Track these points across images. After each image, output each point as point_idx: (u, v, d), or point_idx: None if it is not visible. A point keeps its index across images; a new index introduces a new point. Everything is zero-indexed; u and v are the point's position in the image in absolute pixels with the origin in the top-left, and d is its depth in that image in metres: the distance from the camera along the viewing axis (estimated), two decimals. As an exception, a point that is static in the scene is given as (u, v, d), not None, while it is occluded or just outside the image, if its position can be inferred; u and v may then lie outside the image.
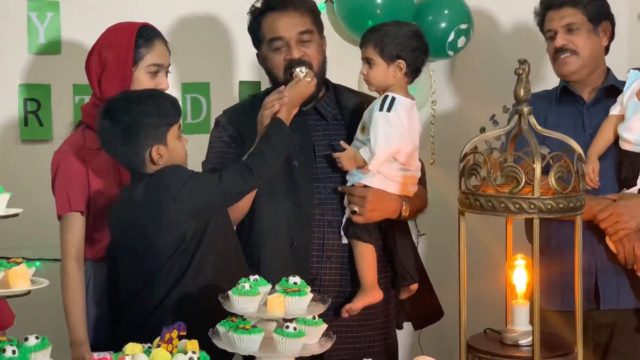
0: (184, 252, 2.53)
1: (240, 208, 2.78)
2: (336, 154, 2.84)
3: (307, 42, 2.89)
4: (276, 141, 2.66)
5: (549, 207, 2.24)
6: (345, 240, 2.88)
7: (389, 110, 2.80)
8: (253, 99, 3.00)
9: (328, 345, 2.27)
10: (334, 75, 3.53)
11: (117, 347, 2.10)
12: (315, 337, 2.26)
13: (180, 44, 3.56)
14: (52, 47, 3.40)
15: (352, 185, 2.85)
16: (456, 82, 4.02)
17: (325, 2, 3.89)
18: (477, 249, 3.69)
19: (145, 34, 2.78)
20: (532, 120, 2.35)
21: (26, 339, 1.92)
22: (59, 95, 3.39)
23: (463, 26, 3.80)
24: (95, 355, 1.94)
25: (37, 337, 1.93)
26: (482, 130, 3.98)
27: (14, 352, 1.86)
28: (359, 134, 2.86)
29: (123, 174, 2.73)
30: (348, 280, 2.89)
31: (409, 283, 2.94)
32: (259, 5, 2.93)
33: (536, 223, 2.25)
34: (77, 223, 2.69)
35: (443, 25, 3.80)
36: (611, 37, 3.07)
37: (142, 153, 2.56)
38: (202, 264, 2.55)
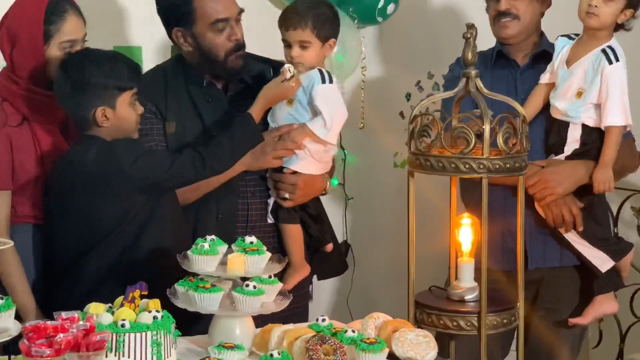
0: (130, 224, 2.54)
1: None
2: (284, 129, 2.83)
3: (239, 22, 2.89)
4: (239, 137, 2.68)
5: (497, 167, 2.33)
6: (270, 221, 2.92)
7: (330, 82, 2.84)
8: (163, 72, 2.94)
9: (285, 303, 2.32)
10: (261, 43, 3.53)
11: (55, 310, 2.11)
12: (272, 296, 2.31)
13: (114, 5, 3.54)
14: None
15: (281, 171, 2.87)
16: (385, 48, 4.09)
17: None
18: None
19: (56, 9, 2.69)
20: (479, 83, 2.42)
21: (-10, 300, 1.91)
22: None
23: (392, -7, 3.85)
24: (64, 314, 1.93)
25: (1, 298, 1.92)
26: (408, 95, 4.13)
27: (-21, 313, 1.85)
28: (286, 107, 2.86)
29: (44, 149, 2.70)
30: (273, 251, 2.93)
31: (325, 244, 3.02)
32: None
33: (484, 183, 2.33)
34: (1, 200, 2.65)
35: (373, -9, 3.85)
36: (549, 3, 3.13)
37: (88, 111, 2.55)
38: (154, 234, 2.56)
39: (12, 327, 1.93)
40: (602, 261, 2.96)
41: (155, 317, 2.04)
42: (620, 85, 2.85)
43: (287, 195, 2.86)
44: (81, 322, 1.91)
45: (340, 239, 4.10)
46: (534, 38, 3.12)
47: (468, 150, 2.32)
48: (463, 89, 2.44)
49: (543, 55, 3.07)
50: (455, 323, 2.39)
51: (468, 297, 2.46)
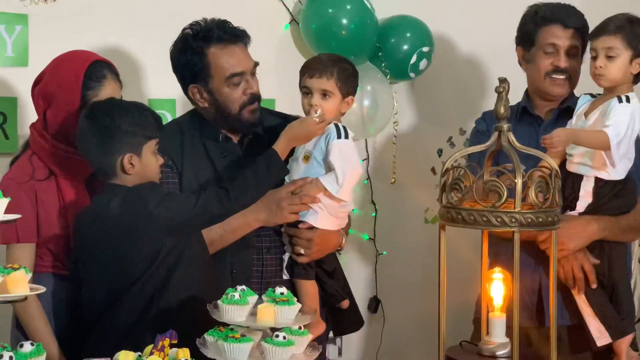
0: (160, 267, 2.54)
1: None
2: (298, 183, 2.81)
3: (254, 75, 2.90)
4: (263, 172, 2.68)
5: (529, 220, 2.31)
6: (286, 277, 2.89)
7: (346, 137, 2.83)
8: (179, 126, 2.94)
9: (314, 355, 2.30)
10: (295, 97, 3.57)
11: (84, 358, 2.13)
12: (301, 347, 2.29)
13: (148, 59, 3.59)
14: (20, 60, 3.37)
15: (296, 226, 2.84)
16: (416, 103, 4.11)
17: (289, 23, 3.95)
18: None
19: (94, 74, 2.72)
20: (511, 137, 2.42)
21: (21, 346, 1.91)
22: (26, 108, 3.35)
23: (425, 49, 3.89)
24: (93, 362, 1.93)
25: (31, 344, 1.92)
26: (440, 151, 4.14)
27: (10, 357, 1.85)
28: (302, 164, 2.85)
29: (68, 203, 2.72)
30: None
31: (341, 300, 2.98)
32: (191, 35, 2.83)
33: (516, 237, 2.31)
34: (24, 252, 2.67)
35: (405, 47, 3.89)
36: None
37: (115, 159, 2.57)
38: (183, 279, 2.56)
39: (42, 374, 1.93)
40: (600, 334, 2.87)
41: (184, 366, 2.03)
42: (626, 120, 2.75)
43: (302, 251, 2.83)
44: (110, 370, 1.90)
45: (370, 294, 4.09)
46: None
47: (500, 204, 2.31)
48: (495, 142, 2.44)
49: (568, 111, 3.04)
50: (485, 379, 2.36)
51: (499, 352, 2.43)
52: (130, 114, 2.59)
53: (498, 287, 2.48)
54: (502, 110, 2.41)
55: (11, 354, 1.86)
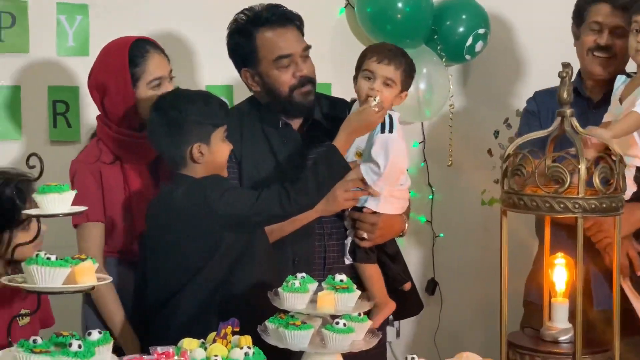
0: (222, 259, 2.57)
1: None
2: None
3: (307, 58, 2.89)
4: (323, 171, 2.65)
5: (593, 206, 2.29)
6: (348, 261, 2.89)
7: (390, 131, 2.78)
8: (239, 113, 2.93)
9: (374, 341, 2.31)
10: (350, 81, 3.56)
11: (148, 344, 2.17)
12: (361, 334, 2.30)
13: (205, 46, 3.61)
14: (81, 50, 3.42)
15: (361, 210, 2.83)
16: (472, 85, 4.08)
17: (345, 7, 3.94)
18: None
19: (138, 51, 2.76)
20: (574, 122, 2.39)
21: (89, 334, 1.95)
22: (87, 97, 3.39)
23: (481, 31, 3.85)
24: (159, 349, 1.97)
25: (99, 332, 1.96)
26: (496, 133, 4.10)
27: (79, 346, 1.89)
28: (356, 159, 2.83)
29: (133, 189, 2.76)
30: None
31: (404, 283, 2.98)
32: (242, 19, 2.87)
33: (580, 222, 2.29)
34: (94, 231, 2.72)
35: (461, 29, 3.85)
36: None
37: (184, 149, 2.60)
38: (246, 270, 2.59)
39: (110, 361, 1.97)
40: None
41: (246, 354, 2.06)
42: None
43: (365, 235, 2.83)
44: (176, 357, 1.93)
45: (428, 277, 4.09)
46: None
47: (563, 190, 2.29)
48: (558, 127, 2.41)
49: None
50: (548, 364, 2.35)
51: (562, 338, 2.41)
52: (197, 103, 2.61)
53: (560, 273, 2.47)
54: (565, 95, 2.38)
55: (80, 342, 1.90)
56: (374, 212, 2.82)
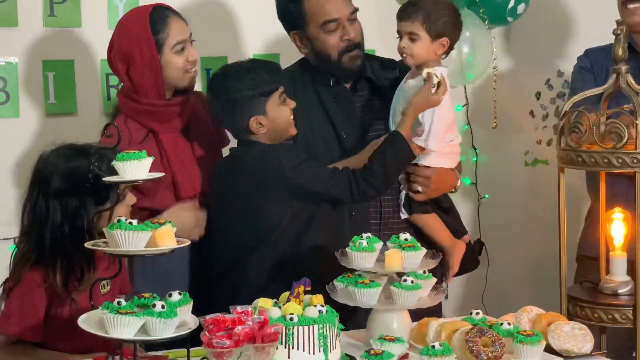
0: (291, 226, 2.64)
1: None
2: None
3: (354, 21, 2.94)
4: (390, 160, 2.70)
5: (651, 161, 2.34)
6: (405, 216, 2.94)
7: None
8: (291, 74, 2.97)
9: (439, 298, 2.38)
10: (387, 41, 3.57)
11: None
12: (427, 290, 2.37)
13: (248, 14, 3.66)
14: None
15: (415, 164, 2.88)
16: (515, 47, 4.10)
17: (384, -32, 3.95)
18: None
19: (158, 17, 2.78)
20: (630, 79, 2.43)
21: (170, 295, 2.02)
22: (81, 70, 3.43)
23: (522, -7, 3.86)
24: (239, 308, 2.04)
25: (179, 293, 2.03)
26: (538, 94, 4.13)
27: (163, 306, 1.96)
28: (398, 116, 2.87)
29: (171, 157, 2.77)
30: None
31: (462, 235, 3.04)
32: None
33: (639, 177, 2.34)
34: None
35: (503, -8, 3.86)
36: None
37: (243, 123, 2.67)
38: (313, 236, 2.66)
39: (190, 321, 2.04)
40: None
41: (320, 312, 2.12)
42: None
43: (420, 189, 2.88)
44: (255, 316, 2.00)
45: (474, 238, 4.14)
46: None
47: (621, 145, 2.34)
48: (613, 85, 2.45)
49: None
50: (610, 316, 2.41)
51: (621, 290, 2.47)
52: (244, 78, 2.68)
53: (618, 227, 2.52)
54: (619, 52, 2.43)
55: (163, 302, 1.97)
56: (427, 167, 2.88)
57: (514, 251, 4.10)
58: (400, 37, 2.86)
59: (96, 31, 3.45)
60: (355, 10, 2.94)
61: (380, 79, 2.99)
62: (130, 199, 2.39)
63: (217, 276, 2.71)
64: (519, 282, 4.08)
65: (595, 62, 3.17)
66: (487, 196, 4.12)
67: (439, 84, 2.73)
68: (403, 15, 2.85)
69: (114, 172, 2.07)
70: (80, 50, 3.44)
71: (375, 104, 2.97)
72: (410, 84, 2.86)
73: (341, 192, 2.66)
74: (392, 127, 2.88)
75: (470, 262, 3.09)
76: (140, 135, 2.78)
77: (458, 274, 3.05)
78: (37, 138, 3.34)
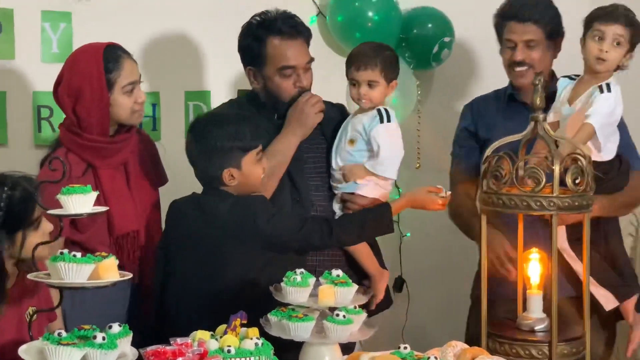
0: (249, 273, 2.71)
1: None
2: (345, 168, 3.04)
3: (308, 70, 3.10)
4: (371, 221, 2.84)
5: (567, 204, 2.49)
6: None
7: (389, 120, 3.03)
8: (237, 106, 3.10)
9: (370, 332, 2.48)
10: (322, 86, 3.74)
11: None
12: (358, 325, 2.46)
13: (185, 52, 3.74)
14: (64, 56, 3.44)
15: (352, 193, 3.03)
16: (439, 91, 4.26)
17: (317, 15, 4.09)
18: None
19: (111, 57, 2.83)
20: (547, 126, 2.59)
21: (110, 327, 2.07)
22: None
23: (446, 39, 4.04)
24: (179, 340, 2.10)
25: (119, 325, 2.08)
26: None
27: (103, 338, 2.01)
28: (348, 147, 3.06)
29: (107, 195, 2.80)
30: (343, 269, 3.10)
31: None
32: (257, 22, 3.06)
33: (555, 220, 2.49)
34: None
35: (428, 37, 4.03)
36: (560, 48, 3.22)
37: (217, 172, 2.74)
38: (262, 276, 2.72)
39: (129, 353, 2.09)
40: (606, 299, 3.03)
41: (256, 344, 2.20)
42: (607, 110, 2.86)
43: None
44: (195, 347, 2.07)
45: (395, 274, 4.26)
46: (546, 79, 3.14)
47: (539, 189, 2.48)
48: (531, 131, 2.60)
49: (554, 97, 3.08)
50: (527, 352, 2.54)
51: (538, 327, 2.60)
52: (227, 128, 2.75)
53: (535, 267, 2.66)
54: (538, 101, 2.57)
55: (103, 334, 2.02)
56: (363, 196, 3.01)
57: (434, 289, 4.24)
58: (354, 85, 3.04)
59: (29, 64, 3.50)
60: (311, 60, 3.09)
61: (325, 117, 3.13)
62: (46, 226, 2.40)
63: (164, 308, 2.76)
64: (438, 319, 4.21)
65: (479, 116, 3.29)
66: (408, 234, 4.25)
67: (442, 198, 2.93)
68: (361, 64, 3.02)
69: (27, 200, 2.13)
70: (13, 82, 3.47)
71: (317, 140, 3.12)
72: (359, 117, 3.05)
73: (312, 239, 2.75)
74: (335, 159, 3.07)
75: (383, 301, 3.19)
76: (80, 170, 2.81)
77: (371, 313, 3.16)
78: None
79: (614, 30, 2.88)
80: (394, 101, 4.05)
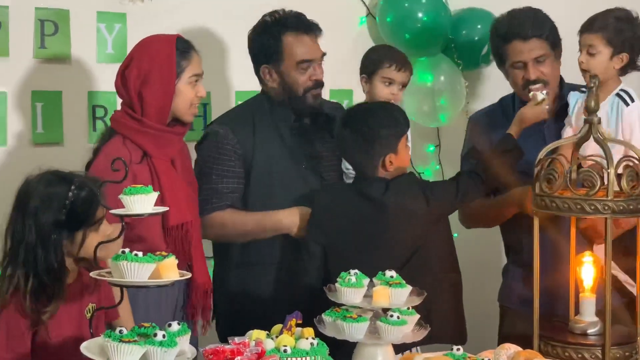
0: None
1: None
2: None
3: (321, 63, 3.17)
4: (503, 153, 2.96)
5: (621, 208, 2.49)
6: None
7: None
8: (250, 109, 3.15)
9: (423, 333, 2.49)
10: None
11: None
12: (411, 326, 2.48)
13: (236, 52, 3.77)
14: (119, 57, 3.52)
15: None
16: (486, 92, 4.26)
17: (366, 16, 4.11)
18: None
19: (182, 47, 2.90)
20: (602, 129, 2.59)
21: (169, 325, 2.11)
22: (66, 99, 3.53)
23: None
24: (236, 339, 2.13)
25: (178, 323, 2.12)
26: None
27: (164, 336, 2.05)
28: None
29: (163, 185, 2.81)
30: None
31: None
32: (270, 20, 3.12)
33: (609, 222, 2.49)
34: None
35: (476, 38, 4.03)
36: (561, 53, 3.19)
37: (377, 160, 2.87)
38: None
39: (188, 351, 2.13)
40: None
41: (312, 344, 2.22)
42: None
43: None
44: (253, 347, 2.10)
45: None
46: (556, 91, 3.17)
47: (593, 193, 2.48)
48: (585, 134, 2.60)
49: (566, 107, 3.08)
50: (580, 355, 2.54)
51: (590, 330, 2.61)
52: (384, 118, 2.89)
53: (588, 270, 2.66)
54: (592, 104, 2.57)
55: (164, 332, 2.06)
56: None
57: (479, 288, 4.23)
58: (393, 84, 3.21)
59: (85, 64, 3.55)
60: (324, 54, 3.17)
61: (332, 116, 3.22)
62: (106, 228, 2.44)
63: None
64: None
65: (487, 133, 3.20)
66: (456, 235, 4.25)
67: (543, 101, 3.00)
68: (401, 67, 3.24)
69: (92, 201, 2.19)
70: (68, 82, 3.53)
71: (327, 137, 3.18)
72: None
73: (471, 193, 2.95)
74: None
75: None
76: (138, 157, 2.83)
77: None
78: (24, 166, 3.41)
79: (585, 41, 2.94)
80: (442, 102, 4.09)
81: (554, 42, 3.13)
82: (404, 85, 3.24)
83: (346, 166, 3.17)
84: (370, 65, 3.25)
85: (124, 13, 3.58)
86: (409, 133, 3.04)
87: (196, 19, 3.69)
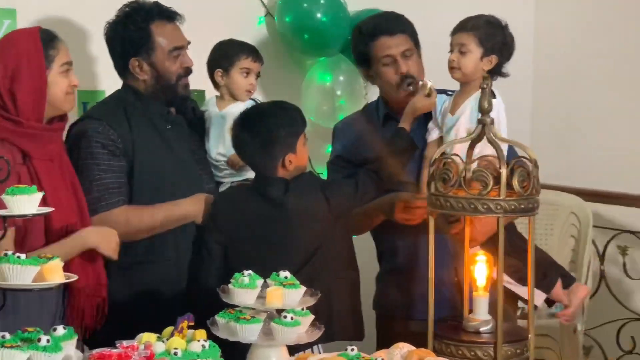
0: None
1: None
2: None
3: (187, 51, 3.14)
4: (398, 147, 3.00)
5: (513, 207, 2.52)
6: None
7: None
8: (122, 103, 3.07)
9: (317, 334, 2.47)
10: (272, 87, 3.76)
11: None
12: (305, 327, 2.46)
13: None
14: None
15: None
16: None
17: (264, 16, 4.09)
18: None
19: (47, 36, 2.80)
20: (494, 129, 2.62)
21: (55, 329, 2.04)
22: None
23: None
24: (125, 342, 2.08)
25: (64, 327, 2.05)
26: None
27: (48, 340, 1.98)
28: None
29: (45, 186, 2.69)
30: None
31: None
32: (135, 11, 3.06)
33: (501, 222, 2.52)
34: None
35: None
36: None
37: (277, 160, 2.84)
38: None
39: (74, 356, 2.06)
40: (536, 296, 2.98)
41: (203, 346, 2.18)
42: (503, 118, 2.94)
43: None
44: (142, 350, 2.05)
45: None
46: None
47: (486, 192, 2.51)
48: (479, 134, 2.63)
49: (427, 113, 3.12)
50: (473, 353, 2.56)
51: (483, 328, 2.63)
52: (281, 118, 2.88)
53: (481, 269, 2.68)
54: (486, 105, 2.60)
55: (48, 337, 1.99)
56: None
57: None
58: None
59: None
60: (189, 42, 3.15)
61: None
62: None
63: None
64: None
65: (351, 141, 3.22)
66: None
67: (430, 90, 3.03)
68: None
69: None
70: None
71: (195, 127, 3.21)
72: None
73: (369, 191, 2.95)
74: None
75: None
76: (20, 158, 2.71)
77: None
78: None
79: (457, 40, 3.00)
80: (341, 102, 4.09)
81: (416, 42, 3.20)
82: (258, 76, 3.27)
83: (216, 158, 3.17)
84: (226, 58, 3.25)
85: (13, 9, 3.46)
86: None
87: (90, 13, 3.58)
